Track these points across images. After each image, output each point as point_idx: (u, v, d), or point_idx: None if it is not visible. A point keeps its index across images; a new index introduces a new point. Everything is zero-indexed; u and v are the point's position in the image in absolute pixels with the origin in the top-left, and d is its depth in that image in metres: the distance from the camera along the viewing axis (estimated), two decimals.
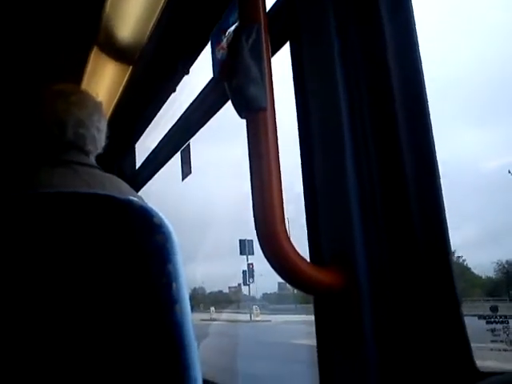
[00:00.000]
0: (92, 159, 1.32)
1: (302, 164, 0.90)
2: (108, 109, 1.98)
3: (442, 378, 0.67)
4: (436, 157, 0.75)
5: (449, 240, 0.73)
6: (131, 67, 1.81)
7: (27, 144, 1.26)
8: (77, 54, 1.72)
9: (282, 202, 0.76)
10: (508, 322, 0.85)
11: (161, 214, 1.09)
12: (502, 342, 0.86)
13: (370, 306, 0.74)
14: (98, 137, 1.32)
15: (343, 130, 0.80)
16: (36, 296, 1.00)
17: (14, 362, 0.97)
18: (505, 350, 0.86)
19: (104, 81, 1.89)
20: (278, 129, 0.79)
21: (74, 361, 0.99)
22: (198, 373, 1.04)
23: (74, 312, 1.01)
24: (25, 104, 1.28)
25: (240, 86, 0.75)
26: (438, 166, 0.75)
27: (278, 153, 0.77)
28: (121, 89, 1.92)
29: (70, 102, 1.29)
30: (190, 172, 1.65)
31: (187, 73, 1.64)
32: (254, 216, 0.77)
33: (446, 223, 0.73)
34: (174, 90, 1.74)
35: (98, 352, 1.00)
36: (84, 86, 1.83)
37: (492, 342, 0.86)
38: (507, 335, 0.85)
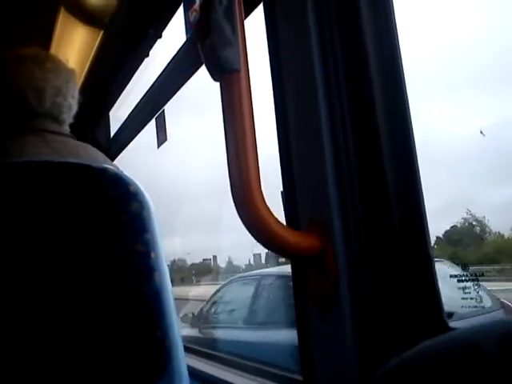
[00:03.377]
0: (66, 128, 1.29)
1: (277, 129, 0.89)
2: (79, 75, 1.93)
3: (414, 334, 0.69)
4: (411, 123, 0.75)
5: (423, 201, 0.73)
6: (102, 31, 1.76)
7: None
8: (43, 17, 1.66)
9: (258, 166, 0.76)
10: None
11: (137, 182, 1.08)
12: None
13: (346, 268, 0.75)
14: (73, 105, 1.29)
15: (318, 94, 0.79)
16: (9, 269, 0.99)
17: None
18: None
19: (74, 46, 1.84)
20: (252, 92, 0.78)
21: (49, 329, 0.99)
22: (178, 339, 1.05)
23: (48, 283, 1.00)
24: None
25: (213, 48, 0.73)
26: (413, 132, 0.75)
27: (252, 116, 0.76)
28: (92, 54, 1.87)
29: (46, 69, 1.24)
30: (166, 139, 1.63)
31: (160, 36, 1.60)
32: (230, 181, 0.76)
33: (421, 185, 0.74)
34: (147, 55, 1.70)
35: (74, 321, 1.00)
36: (52, 51, 1.77)
37: None
38: None
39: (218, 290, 4.98)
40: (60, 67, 1.27)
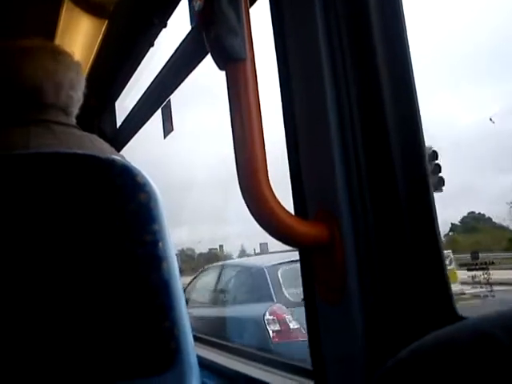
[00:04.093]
0: (72, 119, 1.29)
1: (283, 118, 0.89)
2: (85, 66, 1.93)
3: (423, 324, 0.69)
4: (419, 111, 0.74)
5: (432, 192, 0.73)
6: (107, 21, 1.75)
7: (5, 103, 1.21)
8: (47, 8, 1.65)
9: (265, 155, 0.75)
10: None
11: (144, 173, 1.08)
12: None
13: (354, 257, 0.74)
14: (81, 97, 1.30)
15: (325, 83, 0.78)
16: (18, 262, 1.00)
17: None
18: None
19: (79, 37, 1.83)
20: (258, 80, 0.77)
21: (58, 319, 1.00)
22: (188, 329, 1.06)
23: (57, 275, 1.01)
24: (2, 62, 1.22)
25: (218, 36, 0.72)
26: (421, 120, 0.74)
27: (259, 104, 0.75)
28: (97, 44, 1.86)
29: (62, 63, 1.24)
30: (172, 129, 1.62)
31: (165, 26, 1.59)
32: (238, 170, 0.76)
33: (429, 177, 0.73)
34: (152, 45, 1.69)
35: (83, 311, 1.01)
36: (57, 42, 1.77)
37: None
38: None
39: (194, 277, 5.96)
40: (72, 61, 1.28)
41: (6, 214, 1.00)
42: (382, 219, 0.74)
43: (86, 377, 1.00)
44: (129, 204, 1.04)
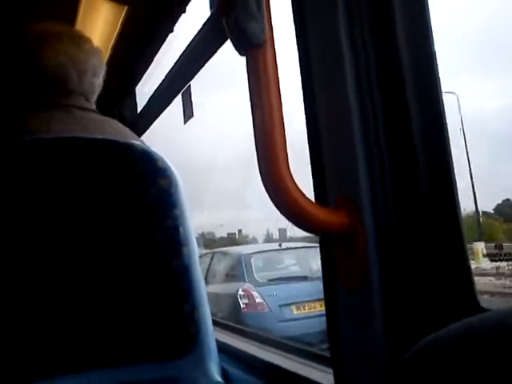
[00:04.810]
0: (93, 104, 1.30)
1: (304, 103, 0.88)
2: (105, 51, 1.93)
3: (444, 314, 0.68)
4: (442, 96, 0.73)
5: (455, 180, 0.72)
6: (126, 7, 1.75)
7: (26, 88, 1.22)
8: None
9: (285, 142, 0.75)
10: None
11: (165, 158, 1.08)
12: None
13: (375, 245, 0.74)
14: (102, 83, 1.31)
15: (346, 69, 0.77)
16: (37, 246, 1.01)
17: (17, 291, 0.99)
18: None
19: (99, 22, 1.83)
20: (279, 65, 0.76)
21: (81, 303, 1.01)
22: (207, 313, 1.07)
23: (79, 259, 1.02)
24: (22, 47, 1.23)
25: (238, 22, 0.72)
26: (444, 106, 0.72)
27: (279, 90, 0.74)
28: (117, 30, 1.86)
29: (86, 50, 1.24)
30: (192, 115, 1.62)
31: (184, 11, 1.58)
32: (258, 156, 0.76)
33: (452, 164, 0.72)
34: (172, 30, 1.68)
35: (105, 295, 1.02)
36: (78, 27, 1.77)
37: None
38: None
39: None
40: (94, 47, 1.29)
41: (27, 199, 1.02)
42: (404, 207, 0.73)
43: (106, 358, 1.01)
44: (149, 189, 1.05)
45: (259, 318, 5.26)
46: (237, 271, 5.87)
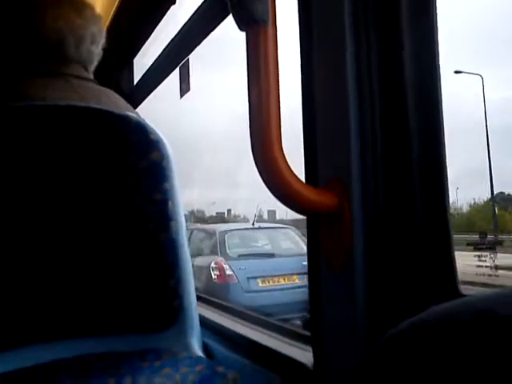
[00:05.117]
0: (91, 73, 1.29)
1: (301, 85, 0.87)
2: (105, 21, 1.90)
3: (425, 298, 0.69)
4: (440, 87, 0.72)
5: (446, 169, 0.72)
6: None
7: (25, 53, 1.20)
8: None
9: (280, 122, 0.75)
10: None
11: (158, 131, 1.08)
12: None
13: (362, 228, 0.74)
14: (101, 52, 1.29)
15: (346, 55, 0.76)
16: (25, 212, 1.01)
17: (14, 256, 0.99)
18: None
19: None
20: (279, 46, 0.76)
21: (66, 271, 1.02)
22: (191, 288, 1.08)
23: (67, 226, 1.02)
24: (21, 11, 1.21)
25: None
26: (441, 97, 0.72)
27: (278, 70, 0.74)
28: (118, 0, 1.84)
29: (86, 17, 1.23)
30: (189, 89, 1.61)
31: None
32: (251, 134, 0.75)
33: (445, 154, 0.72)
34: (174, 2, 1.66)
35: (89, 264, 1.03)
36: None
37: None
38: None
39: None
40: (94, 14, 1.27)
41: (20, 164, 1.01)
42: (393, 192, 0.74)
43: (89, 327, 1.02)
44: (141, 161, 1.04)
45: (228, 288, 5.96)
46: (212, 246, 6.50)
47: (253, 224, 7.40)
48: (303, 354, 0.89)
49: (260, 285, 6.11)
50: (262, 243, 7.12)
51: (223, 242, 6.53)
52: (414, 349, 0.42)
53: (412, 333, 0.43)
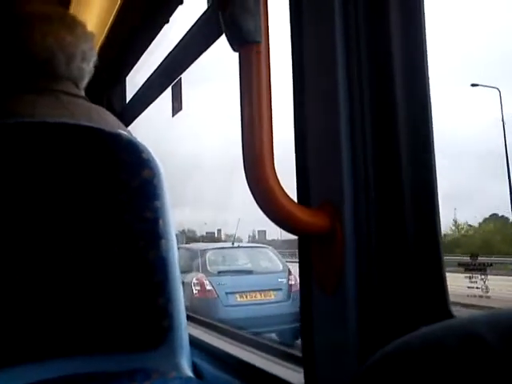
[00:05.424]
0: (82, 90, 1.28)
1: (294, 106, 0.88)
2: (98, 38, 1.91)
3: (417, 321, 0.69)
4: (431, 108, 0.73)
5: (437, 190, 0.73)
6: None
7: (13, 70, 1.20)
8: None
9: (272, 142, 0.75)
10: None
11: (150, 149, 1.08)
12: None
13: (353, 250, 0.74)
14: (92, 70, 1.29)
15: (338, 75, 0.77)
16: (13, 230, 1.00)
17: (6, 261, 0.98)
18: None
19: (94, 7, 1.81)
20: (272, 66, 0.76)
21: (54, 288, 1.00)
22: (181, 307, 1.07)
23: (56, 243, 1.01)
24: (10, 28, 1.21)
25: (234, 16, 0.71)
26: (432, 119, 0.73)
27: (270, 89, 0.75)
28: (112, 17, 1.85)
29: (77, 35, 1.22)
30: (181, 108, 1.62)
31: (181, 3, 1.58)
32: (243, 153, 0.76)
33: (436, 176, 0.73)
34: (167, 21, 1.67)
35: (79, 282, 1.01)
36: (72, 11, 1.76)
37: None
38: None
39: None
40: (86, 32, 1.27)
41: (8, 182, 1.00)
42: (385, 215, 0.74)
43: (75, 345, 1.00)
44: (132, 179, 1.04)
45: (208, 302, 6.41)
46: (194, 263, 6.96)
47: (232, 243, 8.00)
48: (294, 375, 0.89)
49: (238, 299, 6.56)
50: (242, 261, 7.55)
51: (204, 260, 7.01)
52: (397, 373, 0.42)
53: (396, 356, 0.43)
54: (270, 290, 6.49)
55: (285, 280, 6.55)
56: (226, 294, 6.56)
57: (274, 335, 5.66)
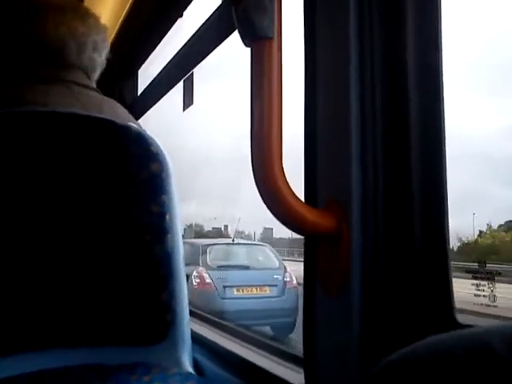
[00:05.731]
0: (93, 82, 1.28)
1: (304, 103, 0.87)
2: (112, 30, 1.91)
3: (421, 326, 0.68)
4: (444, 110, 0.72)
5: (446, 194, 0.72)
6: None
7: (25, 59, 1.20)
8: None
9: (282, 140, 0.74)
10: None
11: (159, 143, 1.08)
12: None
13: (360, 252, 0.74)
14: (104, 63, 1.29)
15: (350, 75, 0.76)
16: (21, 219, 1.00)
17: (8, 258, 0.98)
18: None
19: (107, 1, 1.82)
20: (283, 62, 0.76)
21: (58, 280, 1.00)
22: (184, 303, 1.06)
23: (64, 234, 1.02)
24: (24, 16, 1.21)
25: (247, 12, 0.71)
26: (444, 122, 0.72)
27: (281, 86, 0.74)
28: (125, 10, 1.85)
29: (89, 25, 1.23)
30: (192, 102, 1.61)
31: None
32: (252, 152, 0.75)
33: (446, 178, 0.72)
34: (181, 15, 1.67)
35: (83, 274, 1.01)
36: (86, 3, 1.76)
37: None
38: None
39: None
40: (98, 23, 1.27)
41: (19, 170, 1.00)
42: (392, 217, 0.73)
43: (78, 336, 1.01)
44: (141, 172, 1.04)
45: (207, 294, 6.71)
46: (195, 258, 7.26)
47: (233, 240, 8.49)
48: (294, 375, 0.88)
49: (235, 293, 6.93)
50: (240, 257, 8.00)
51: (205, 254, 7.42)
52: (402, 382, 0.41)
53: (402, 365, 0.42)
54: (265, 285, 6.89)
55: (280, 277, 6.96)
56: (224, 287, 6.93)
57: (268, 328, 6.23)
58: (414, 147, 0.73)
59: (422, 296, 0.70)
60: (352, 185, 0.74)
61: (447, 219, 0.71)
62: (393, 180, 0.74)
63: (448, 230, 0.72)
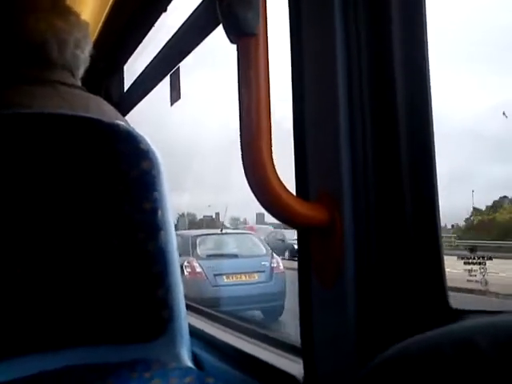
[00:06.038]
0: (78, 80, 1.28)
1: (292, 97, 0.87)
2: (95, 27, 1.90)
3: (415, 315, 0.69)
4: (431, 102, 0.73)
5: (436, 182, 0.72)
6: None
7: (7, 58, 1.19)
8: None
9: (271, 133, 0.75)
10: None
11: (148, 140, 1.07)
12: None
13: (353, 242, 0.74)
14: (87, 60, 1.28)
15: (338, 67, 0.76)
16: (11, 221, 1.00)
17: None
18: None
19: None
20: (270, 57, 0.76)
21: (53, 279, 1.01)
22: (181, 298, 1.07)
23: (55, 235, 1.01)
24: (6, 14, 1.20)
25: (232, 7, 0.70)
26: (432, 112, 0.73)
27: (268, 81, 0.74)
28: (108, 6, 1.83)
29: (69, 22, 1.22)
30: (179, 97, 1.61)
31: None
32: (241, 145, 0.75)
33: (435, 166, 0.73)
34: (165, 10, 1.66)
35: (78, 273, 1.02)
36: (68, 1, 1.74)
37: None
38: None
39: None
40: (81, 22, 1.26)
41: (6, 174, 1.00)
42: (384, 207, 0.74)
43: (76, 336, 1.01)
44: (131, 170, 1.04)
45: (198, 283, 7.01)
46: (186, 248, 7.47)
47: (221, 230, 9.01)
48: (293, 366, 0.89)
49: (225, 280, 7.23)
50: (229, 246, 8.32)
51: (194, 245, 7.71)
52: (396, 378, 0.43)
53: (396, 362, 0.44)
54: (253, 272, 7.21)
55: (267, 263, 7.27)
56: (215, 275, 7.24)
57: (259, 312, 6.68)
58: (403, 137, 0.73)
59: (415, 283, 0.71)
60: (343, 176, 0.75)
61: (438, 205, 0.72)
62: (383, 170, 0.74)
63: (439, 216, 0.73)
